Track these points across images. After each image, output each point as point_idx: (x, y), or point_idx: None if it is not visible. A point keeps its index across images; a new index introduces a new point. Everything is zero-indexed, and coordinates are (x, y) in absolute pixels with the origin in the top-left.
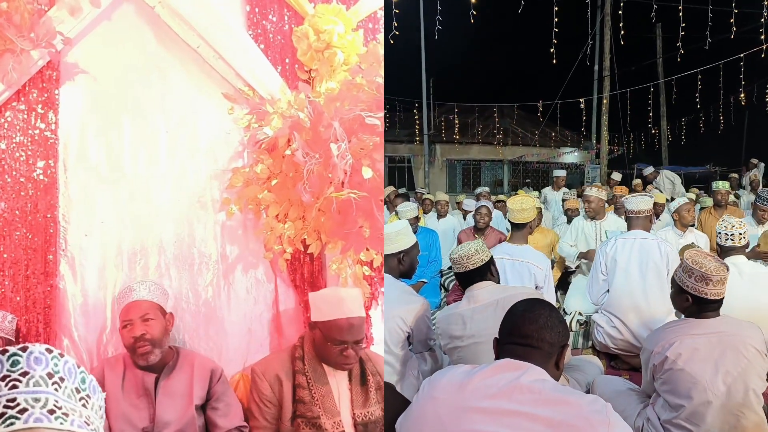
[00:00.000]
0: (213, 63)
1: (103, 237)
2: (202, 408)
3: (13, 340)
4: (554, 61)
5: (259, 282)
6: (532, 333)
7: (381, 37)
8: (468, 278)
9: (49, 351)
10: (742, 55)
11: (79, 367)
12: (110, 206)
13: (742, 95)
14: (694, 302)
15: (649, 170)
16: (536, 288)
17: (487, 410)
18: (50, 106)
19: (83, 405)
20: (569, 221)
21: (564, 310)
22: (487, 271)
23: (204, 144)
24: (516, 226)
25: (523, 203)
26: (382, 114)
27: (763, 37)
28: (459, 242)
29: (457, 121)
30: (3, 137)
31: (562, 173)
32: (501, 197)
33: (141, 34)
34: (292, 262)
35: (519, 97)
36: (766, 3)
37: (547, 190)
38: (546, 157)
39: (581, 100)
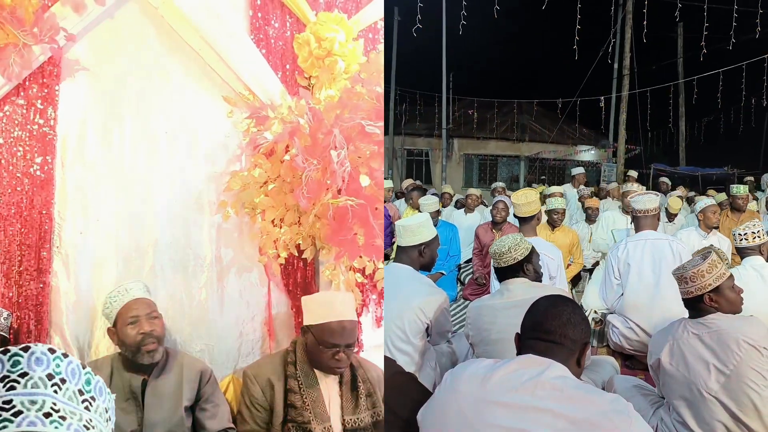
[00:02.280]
0: (214, 66)
1: (98, 235)
2: (191, 409)
3: (8, 336)
4: (576, 58)
5: (252, 285)
6: (554, 329)
7: (381, 47)
8: (503, 273)
9: (52, 351)
10: (766, 56)
11: (84, 368)
12: (107, 205)
13: (765, 96)
14: (687, 305)
15: None
16: (549, 278)
17: (509, 405)
18: (50, 102)
19: (86, 407)
20: (588, 219)
21: (581, 306)
22: (520, 269)
23: (203, 146)
24: (523, 220)
25: (527, 197)
26: (381, 123)
27: None
28: (476, 237)
29: (475, 116)
30: (1, 131)
31: (581, 170)
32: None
33: (144, 34)
34: (285, 267)
35: (538, 93)
36: None
37: (567, 187)
38: (563, 154)
39: (600, 98)
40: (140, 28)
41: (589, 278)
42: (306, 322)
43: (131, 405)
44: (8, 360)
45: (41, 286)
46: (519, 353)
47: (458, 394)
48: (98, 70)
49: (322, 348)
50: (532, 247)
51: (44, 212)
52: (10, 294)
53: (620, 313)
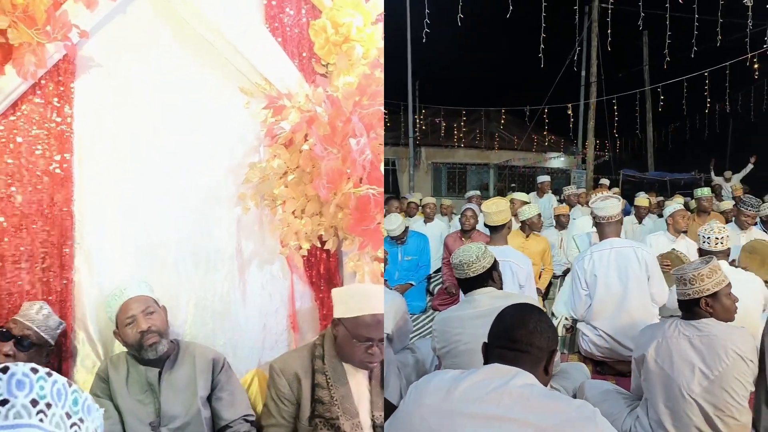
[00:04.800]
0: (229, 57)
1: (118, 231)
2: (208, 399)
3: (53, 346)
4: (542, 66)
5: (275, 278)
6: (521, 338)
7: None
8: (469, 284)
9: (35, 371)
10: (727, 64)
11: (71, 386)
12: (125, 200)
13: (728, 103)
14: (682, 306)
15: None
16: (519, 287)
17: (475, 415)
18: (66, 100)
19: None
20: (558, 225)
21: (552, 314)
22: (488, 278)
23: (219, 139)
24: (494, 229)
25: (498, 206)
26: None
27: (748, 46)
28: (446, 246)
29: (443, 125)
30: (20, 130)
31: (546, 178)
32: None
33: (157, 27)
34: (308, 259)
35: (506, 101)
36: (750, 13)
37: (533, 196)
38: (532, 161)
39: (568, 105)
40: (153, 22)
41: (560, 285)
42: (337, 315)
43: (148, 397)
44: None
45: (65, 282)
46: (486, 363)
47: (423, 407)
48: (112, 66)
49: (356, 342)
50: (493, 254)
51: (65, 209)
52: (35, 290)
53: (589, 321)
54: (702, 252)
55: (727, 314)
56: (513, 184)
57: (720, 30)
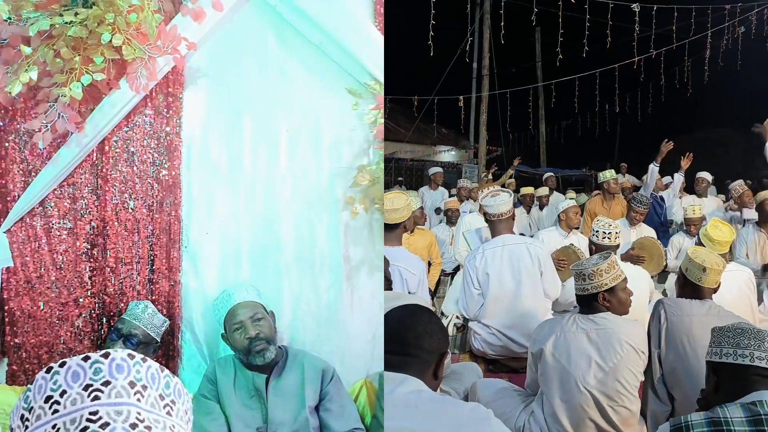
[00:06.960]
0: (336, 58)
1: (223, 236)
2: (316, 409)
3: (159, 342)
4: (431, 54)
5: None
6: (409, 341)
7: None
8: None
9: (131, 357)
10: (616, 66)
11: (163, 371)
12: (230, 206)
13: (617, 103)
14: (580, 300)
15: None
16: (408, 294)
17: None
18: (175, 111)
19: (168, 413)
20: (449, 222)
21: (441, 313)
22: None
23: (327, 142)
24: (389, 227)
25: (394, 202)
26: None
27: (635, 50)
28: None
29: None
30: (133, 141)
31: (438, 170)
32: None
33: (262, 34)
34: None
35: (392, 90)
36: (637, 19)
37: (425, 189)
38: (421, 154)
39: (460, 97)
40: (258, 29)
41: (450, 283)
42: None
43: (255, 402)
44: (90, 367)
45: (172, 284)
46: None
47: None
48: (219, 75)
49: None
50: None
51: (173, 214)
52: (144, 291)
53: (482, 320)
54: (598, 247)
55: (622, 308)
56: (400, 178)
57: (610, 32)
